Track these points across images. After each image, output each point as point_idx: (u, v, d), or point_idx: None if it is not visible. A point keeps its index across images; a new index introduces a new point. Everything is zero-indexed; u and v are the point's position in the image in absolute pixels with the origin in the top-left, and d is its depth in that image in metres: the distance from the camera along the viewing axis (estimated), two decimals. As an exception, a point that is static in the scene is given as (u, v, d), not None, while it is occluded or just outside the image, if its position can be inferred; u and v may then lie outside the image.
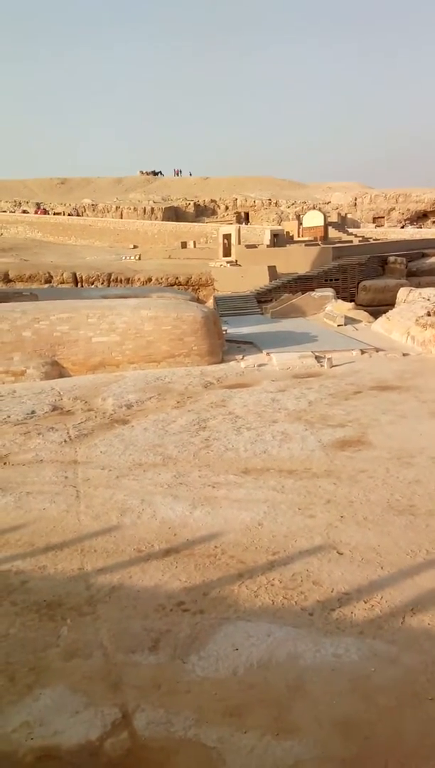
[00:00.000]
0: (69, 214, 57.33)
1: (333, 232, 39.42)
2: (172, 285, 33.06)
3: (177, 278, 34.40)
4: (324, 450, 7.15)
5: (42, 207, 59.22)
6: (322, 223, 37.47)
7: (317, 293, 22.56)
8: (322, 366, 12.19)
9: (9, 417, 9.17)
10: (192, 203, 61.57)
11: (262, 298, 26.01)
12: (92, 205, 60.83)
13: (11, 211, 59.61)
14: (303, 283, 27.78)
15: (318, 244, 34.04)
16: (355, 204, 57.55)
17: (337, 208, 54.62)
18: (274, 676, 3.35)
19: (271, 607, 4.03)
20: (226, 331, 15.37)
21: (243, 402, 9.56)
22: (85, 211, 58.64)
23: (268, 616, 3.93)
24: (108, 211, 59.29)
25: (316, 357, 12.73)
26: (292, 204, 58.46)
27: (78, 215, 57.18)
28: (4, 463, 7.21)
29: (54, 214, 58.50)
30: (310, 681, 3.30)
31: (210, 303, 24.22)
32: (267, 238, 35.00)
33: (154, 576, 4.49)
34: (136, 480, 6.48)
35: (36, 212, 58.14)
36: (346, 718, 3.03)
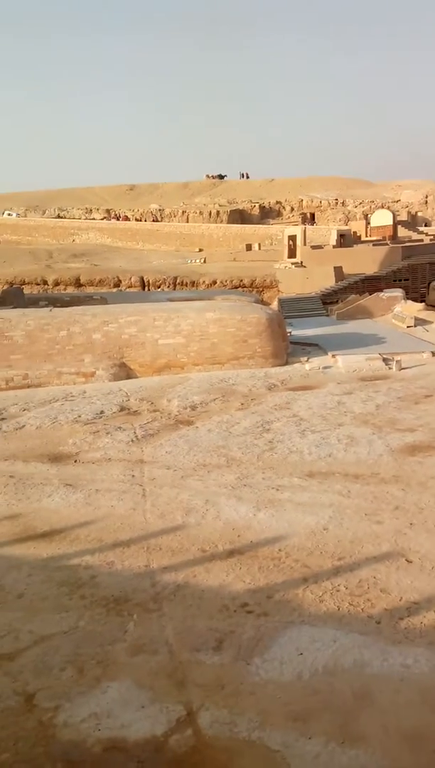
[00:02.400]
0: (154, 220, 58.74)
1: (402, 231, 38.36)
2: (236, 287, 33.19)
3: (241, 280, 34.49)
4: (392, 455, 6.96)
5: (123, 214, 61.18)
6: (390, 222, 36.55)
7: (385, 294, 22.00)
8: (390, 368, 11.87)
9: (80, 417, 9.47)
10: (257, 205, 61.60)
11: (328, 299, 25.65)
12: (159, 209, 62.02)
13: (87, 218, 61.87)
14: (370, 284, 27.19)
15: (386, 244, 33.22)
16: (426, 201, 55.78)
17: (407, 207, 53.12)
18: (339, 683, 3.29)
19: (337, 613, 3.96)
20: (290, 332, 15.26)
21: (308, 404, 9.46)
22: (161, 216, 59.91)
23: (334, 622, 3.86)
24: (174, 216, 60.27)
25: (384, 359, 12.42)
26: (360, 203, 57.35)
27: (158, 221, 58.43)
28: (75, 461, 7.45)
29: (96, 219, 60.29)
30: (377, 690, 3.22)
31: (274, 305, 24.11)
32: (333, 239, 34.50)
33: (218, 576, 4.51)
34: (201, 480, 6.53)
35: (117, 219, 60.05)
36: (415, 730, 2.93)
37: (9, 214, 61.90)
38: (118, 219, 60.14)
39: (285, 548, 4.89)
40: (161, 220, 59.13)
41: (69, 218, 63.38)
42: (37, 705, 3.22)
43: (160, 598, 4.26)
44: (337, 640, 3.67)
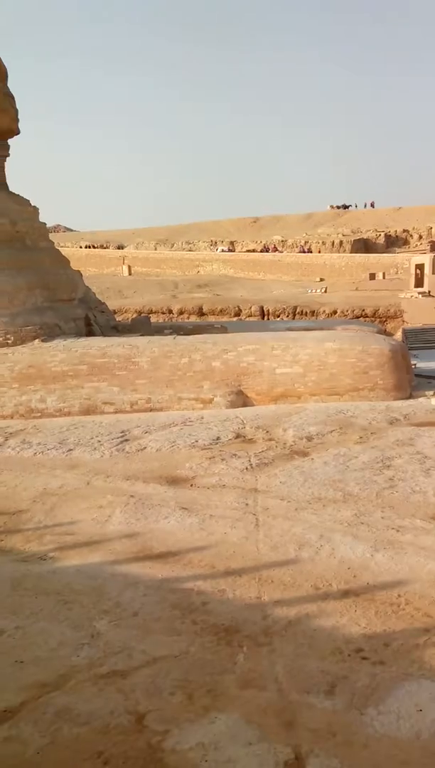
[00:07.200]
0: (302, 251, 59.38)
1: None
2: (358, 317, 32.52)
3: (363, 310, 33.75)
4: None
5: (272, 245, 62.84)
6: None
7: None
8: None
9: (197, 441, 9.68)
10: (382, 234, 60.35)
11: (457, 330, 24.29)
12: (282, 241, 62.81)
13: (226, 250, 64.22)
14: None
15: None
16: None
17: None
18: (463, 751, 3.00)
19: (462, 672, 3.64)
20: (415, 365, 14.61)
21: (433, 442, 8.93)
22: (308, 247, 60.10)
23: (458, 681, 3.55)
24: (296, 247, 60.66)
25: None
26: None
27: (308, 251, 58.71)
28: (191, 485, 7.60)
29: (247, 251, 61.69)
30: None
31: (398, 335, 23.29)
32: (464, 268, 32.82)
33: (331, 617, 4.34)
34: (315, 514, 6.38)
35: (267, 251, 61.65)
36: None
37: (223, 250, 65.61)
38: (267, 251, 61.43)
39: (405, 594, 4.61)
40: (310, 251, 58.99)
41: (195, 250, 66.19)
42: (148, 726, 3.27)
43: (271, 632, 4.18)
44: (461, 701, 3.36)
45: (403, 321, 29.39)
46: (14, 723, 3.33)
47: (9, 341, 13.90)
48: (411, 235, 60.03)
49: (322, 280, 49.30)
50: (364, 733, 3.16)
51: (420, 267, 33.98)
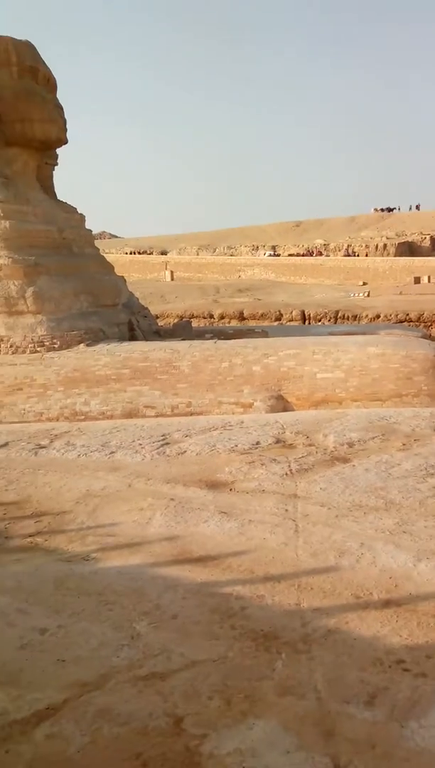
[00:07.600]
0: (346, 254, 58.47)
1: None
2: (401, 322, 31.93)
3: (407, 315, 33.14)
4: None
5: (316, 249, 62.46)
6: None
7: None
8: None
9: (236, 446, 9.69)
10: (428, 237, 59.19)
11: None
12: (324, 244, 62.32)
13: (272, 254, 64.01)
14: None
15: None
16: None
17: None
18: None
19: None
20: (461, 371, 14.23)
21: None
22: (352, 250, 59.25)
23: None
24: (339, 250, 60.06)
25: None
26: None
27: (353, 254, 57.85)
28: (230, 490, 7.62)
29: (289, 255, 61.41)
30: None
31: (443, 341, 22.73)
32: None
33: (372, 626, 4.28)
34: (356, 522, 6.29)
35: (311, 254, 61.31)
36: None
37: (270, 254, 65.46)
38: (312, 254, 61.04)
39: (448, 606, 4.50)
40: (356, 254, 57.92)
41: (237, 255, 66.30)
42: (186, 730, 3.29)
43: (310, 640, 4.14)
44: None
45: (449, 325, 28.72)
46: (56, 720, 3.41)
47: (55, 345, 14.25)
48: (458, 238, 58.67)
49: (364, 284, 48.65)
50: (405, 747, 3.10)
51: (467, 270, 33.18)
